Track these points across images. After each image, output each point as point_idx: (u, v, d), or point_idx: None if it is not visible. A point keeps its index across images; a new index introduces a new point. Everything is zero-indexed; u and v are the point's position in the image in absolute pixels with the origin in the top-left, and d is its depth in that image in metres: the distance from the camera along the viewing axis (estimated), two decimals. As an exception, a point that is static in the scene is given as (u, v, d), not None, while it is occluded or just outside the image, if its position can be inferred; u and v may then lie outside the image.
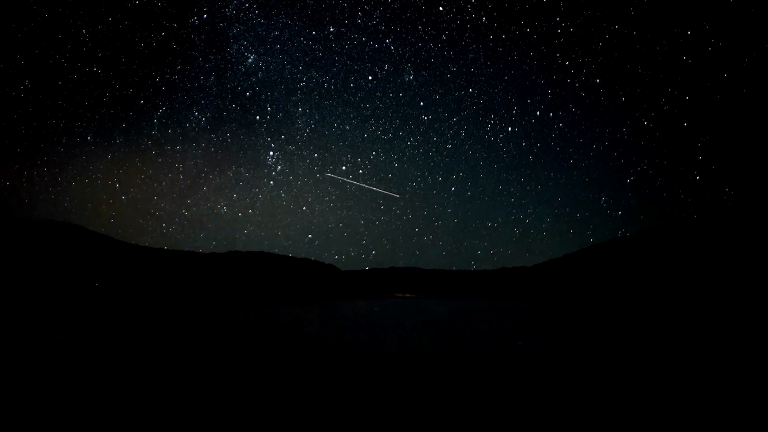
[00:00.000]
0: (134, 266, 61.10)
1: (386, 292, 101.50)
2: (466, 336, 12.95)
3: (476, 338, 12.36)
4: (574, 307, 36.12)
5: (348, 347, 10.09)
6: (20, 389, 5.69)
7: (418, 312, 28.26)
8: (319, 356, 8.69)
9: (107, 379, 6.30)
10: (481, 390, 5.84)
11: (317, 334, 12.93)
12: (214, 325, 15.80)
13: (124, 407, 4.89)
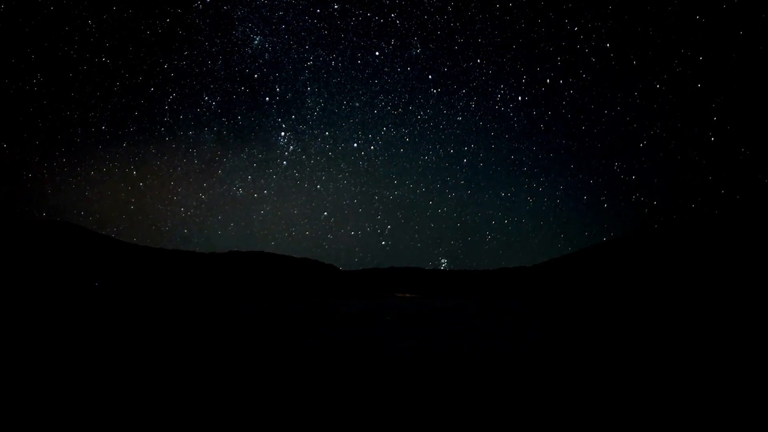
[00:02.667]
0: (134, 266, 61.10)
1: (386, 291, 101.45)
2: (465, 336, 12.95)
3: (475, 338, 12.36)
4: (574, 307, 36.14)
5: (346, 345, 10.08)
6: (19, 390, 5.68)
7: (417, 312, 28.27)
8: (316, 354, 8.68)
9: (106, 380, 6.29)
10: (481, 389, 5.83)
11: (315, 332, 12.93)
12: (213, 326, 15.80)
13: (123, 408, 4.89)
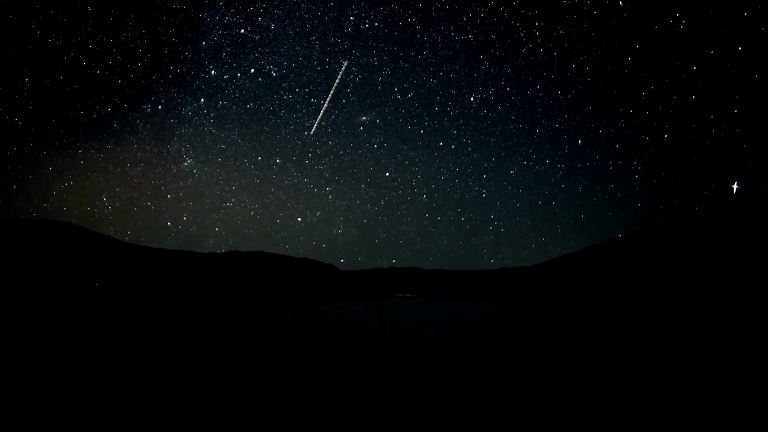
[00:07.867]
0: (134, 266, 61.13)
1: (386, 292, 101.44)
2: (464, 336, 12.95)
3: (474, 338, 12.36)
4: (574, 307, 36.12)
5: (343, 342, 10.07)
6: (19, 390, 5.69)
7: (416, 312, 28.27)
8: (314, 352, 8.68)
9: (106, 380, 6.30)
10: (480, 388, 5.83)
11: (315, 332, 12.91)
12: (213, 326, 15.79)
13: (123, 408, 4.89)
